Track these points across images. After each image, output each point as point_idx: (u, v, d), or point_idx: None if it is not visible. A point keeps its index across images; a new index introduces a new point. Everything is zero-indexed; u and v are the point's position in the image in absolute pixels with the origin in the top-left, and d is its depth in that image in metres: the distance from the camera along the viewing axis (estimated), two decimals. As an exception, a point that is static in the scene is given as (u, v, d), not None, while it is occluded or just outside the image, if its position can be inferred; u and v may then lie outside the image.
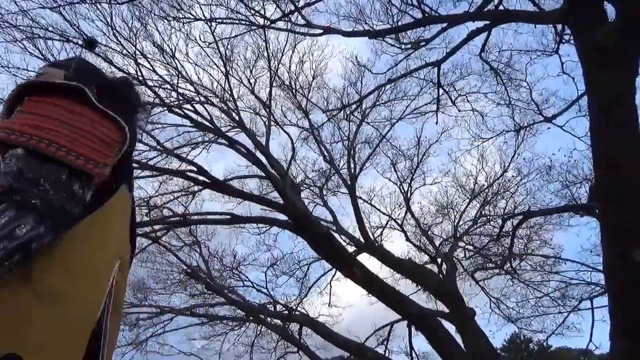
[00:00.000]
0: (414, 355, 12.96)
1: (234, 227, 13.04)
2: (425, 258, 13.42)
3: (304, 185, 13.08)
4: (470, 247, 13.84)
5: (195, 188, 11.57)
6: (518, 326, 14.31)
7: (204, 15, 11.04)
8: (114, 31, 10.83)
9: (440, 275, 12.46)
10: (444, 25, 9.46)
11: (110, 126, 1.34)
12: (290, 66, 12.34)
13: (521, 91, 11.44)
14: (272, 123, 11.90)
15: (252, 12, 10.81)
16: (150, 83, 11.14)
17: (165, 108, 11.29)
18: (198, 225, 12.09)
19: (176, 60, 11.44)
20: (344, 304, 14.52)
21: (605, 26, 5.15)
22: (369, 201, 13.98)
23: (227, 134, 11.65)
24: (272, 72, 11.75)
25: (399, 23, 10.39)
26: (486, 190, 13.92)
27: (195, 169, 10.75)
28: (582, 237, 19.63)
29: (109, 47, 10.99)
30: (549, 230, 13.62)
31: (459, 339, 11.20)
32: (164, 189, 11.42)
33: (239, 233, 13.32)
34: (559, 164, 12.41)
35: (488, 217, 13.78)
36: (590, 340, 11.33)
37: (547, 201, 13.15)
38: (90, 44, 2.32)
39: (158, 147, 10.89)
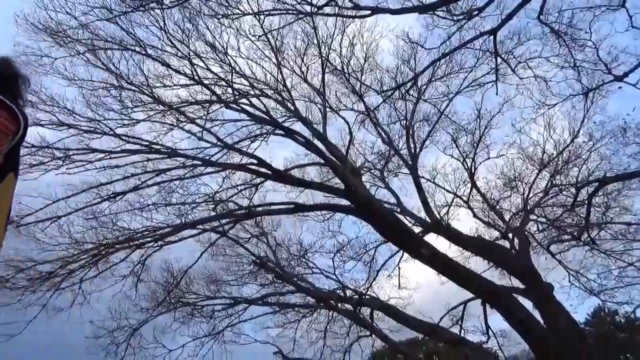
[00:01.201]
0: (490, 333, 12.64)
1: (298, 216, 13.21)
2: (496, 234, 13.04)
3: (364, 169, 12.98)
4: (543, 220, 13.24)
5: (258, 180, 11.79)
6: (601, 299, 13.57)
7: (251, 9, 11.14)
8: (168, 35, 11.17)
9: (513, 251, 12.05)
10: (498, -10, 9.02)
11: (5, 115, 1.29)
12: (341, 50, 12.26)
13: (587, 51, 10.65)
14: (328, 109, 11.89)
15: (299, 0, 10.81)
16: (206, 82, 11.42)
17: (222, 105, 11.56)
18: (263, 217, 12.32)
19: (229, 57, 11.65)
20: (414, 285, 14.35)
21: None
22: (432, 180, 13.69)
23: (284, 124, 11.76)
24: (323, 58, 11.72)
25: (450, -7, 10.02)
26: (556, 159, 13.26)
27: (255, 162, 10.95)
28: (667, 200, 18.07)
29: (164, 50, 11.37)
30: (628, 196, 12.79)
31: (537, 315, 10.81)
32: (227, 183, 11.72)
33: (303, 221, 13.46)
34: (635, 124, 11.54)
35: (560, 186, 13.12)
36: (685, 309, 10.61)
37: (624, 165, 12.30)
38: None
39: (219, 143, 11.17)
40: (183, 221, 11.05)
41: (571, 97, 11.67)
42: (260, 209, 11.51)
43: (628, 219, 12.67)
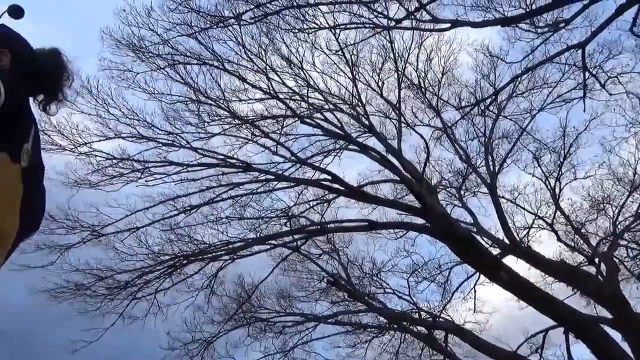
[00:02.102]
0: (574, 364, 11.91)
1: (370, 233, 12.96)
2: (580, 259, 12.25)
3: (440, 187, 12.59)
4: (634, 245, 12.39)
5: (330, 196, 11.66)
6: None
7: (327, 24, 11.06)
8: (245, 49, 11.27)
9: (600, 277, 11.32)
10: (586, 2, 8.52)
11: None
12: (417, 65, 11.95)
13: (686, 66, 9.95)
14: (403, 124, 11.62)
15: (375, 14, 10.64)
16: (281, 96, 11.43)
17: (296, 119, 11.53)
18: (335, 233, 12.16)
19: (304, 71, 11.62)
20: (490, 309, 13.61)
21: None
22: (513, 200, 13.01)
23: (357, 139, 11.59)
24: (399, 72, 11.47)
25: (534, 6, 9.56)
26: (649, 181, 12.38)
27: (329, 177, 10.83)
28: None
29: (240, 64, 11.48)
30: None
31: (627, 347, 10.10)
32: (300, 198, 11.66)
33: (375, 239, 13.17)
34: None
35: (654, 210, 12.23)
36: None
37: None
38: (16, 10, 2.13)
39: (292, 157, 11.13)
40: (256, 236, 11.05)
41: (670, 113, 10.92)
42: (333, 225, 11.36)
43: None
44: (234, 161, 11.13)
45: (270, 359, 12.29)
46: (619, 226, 12.23)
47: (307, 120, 11.50)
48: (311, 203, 11.73)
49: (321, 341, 12.65)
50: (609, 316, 10.73)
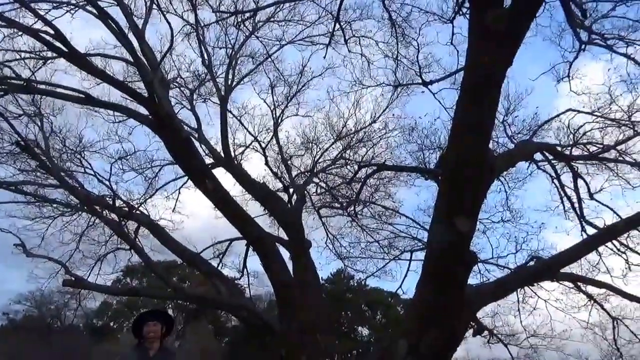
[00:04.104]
0: (245, 273, 13.43)
1: (86, 108, 11.95)
2: (279, 185, 13.68)
3: (175, 84, 12.27)
4: (323, 185, 14.38)
5: (49, 54, 10.22)
6: (345, 264, 15.40)
7: None
8: None
9: (289, 205, 12.80)
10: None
11: None
12: (189, -49, 11.14)
13: (410, 50, 11.56)
14: (155, 7, 10.79)
15: None
16: None
17: (29, -50, 9.63)
18: (44, 97, 10.78)
19: None
20: (188, 213, 14.25)
21: (498, 10, 5.29)
22: (239, 117, 13.66)
23: (99, 2, 10.32)
24: (166, -51, 10.53)
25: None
26: (352, 135, 14.41)
27: (52, 32, 9.43)
28: (420, 198, 21.44)
29: None
30: (395, 185, 14.62)
31: (291, 266, 11.70)
32: (8, 44, 9.93)
33: (91, 116, 12.17)
34: (422, 127, 13.06)
35: (346, 160, 14.34)
36: (400, 286, 12.79)
37: (402, 159, 14.00)
38: None
39: (12, -6, 9.33)
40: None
41: (383, 85, 12.71)
42: (43, 87, 10.03)
43: (388, 204, 14.55)
44: None
45: None
46: (317, 166, 14.02)
47: (43, -43, 9.71)
48: (22, 55, 10.12)
49: (-7, 208, 11.26)
50: (286, 238, 12.24)
